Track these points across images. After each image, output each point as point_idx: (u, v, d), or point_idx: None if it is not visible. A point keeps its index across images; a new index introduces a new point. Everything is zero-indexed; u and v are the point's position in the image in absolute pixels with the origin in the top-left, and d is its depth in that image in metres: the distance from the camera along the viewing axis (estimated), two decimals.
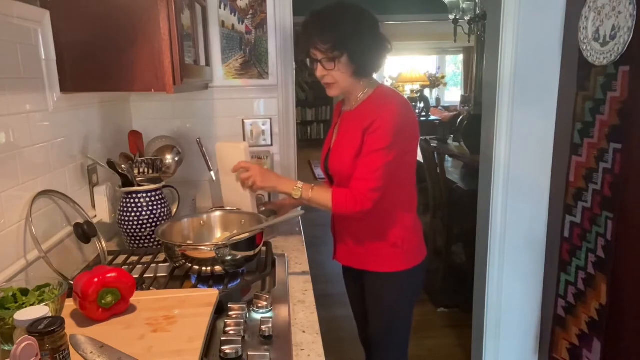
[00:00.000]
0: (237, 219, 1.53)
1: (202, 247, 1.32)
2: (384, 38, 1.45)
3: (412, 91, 8.32)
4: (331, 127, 1.67)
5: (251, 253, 1.36)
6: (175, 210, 1.76)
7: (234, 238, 1.36)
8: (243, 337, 1.03)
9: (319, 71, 1.45)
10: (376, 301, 1.62)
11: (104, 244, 1.49)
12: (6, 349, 0.89)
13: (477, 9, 4.51)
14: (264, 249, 1.52)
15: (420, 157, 3.65)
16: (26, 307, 0.91)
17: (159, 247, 1.52)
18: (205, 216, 1.55)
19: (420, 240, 1.62)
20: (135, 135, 1.77)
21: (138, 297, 1.09)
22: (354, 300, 1.80)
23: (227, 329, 1.05)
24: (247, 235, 1.35)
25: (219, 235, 1.52)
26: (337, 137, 1.57)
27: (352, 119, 1.51)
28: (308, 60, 1.48)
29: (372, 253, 1.56)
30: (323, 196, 1.44)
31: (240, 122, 2.05)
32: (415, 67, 8.85)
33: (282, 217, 1.48)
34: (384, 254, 1.54)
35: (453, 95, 9.46)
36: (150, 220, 1.59)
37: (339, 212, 1.45)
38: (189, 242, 1.46)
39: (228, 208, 1.62)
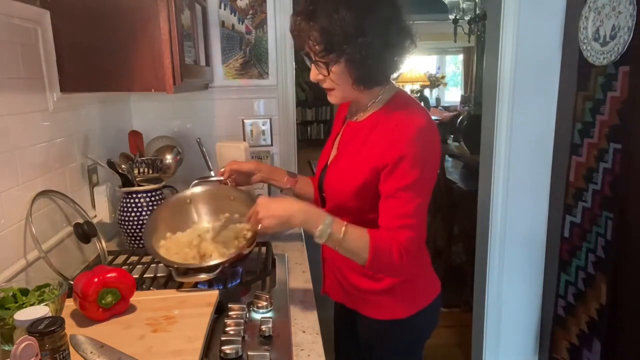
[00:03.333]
0: (226, 195, 1.42)
1: (201, 276, 1.21)
2: (403, 34, 1.08)
3: (412, 91, 8.31)
4: (331, 136, 1.35)
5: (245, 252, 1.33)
6: None
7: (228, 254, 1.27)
8: (243, 337, 1.03)
9: (312, 74, 1.14)
10: (371, 353, 1.33)
11: (104, 244, 1.49)
12: (6, 349, 0.89)
13: (477, 9, 4.51)
14: (263, 249, 1.52)
15: None
16: (26, 307, 0.91)
17: None
18: (189, 193, 1.44)
19: (429, 277, 1.31)
20: (135, 135, 1.76)
21: (138, 297, 1.09)
22: (341, 339, 1.52)
23: (227, 329, 1.05)
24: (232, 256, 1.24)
25: (210, 218, 1.42)
26: (337, 152, 1.26)
27: (357, 133, 1.20)
28: (306, 58, 1.14)
29: (364, 294, 1.27)
30: (358, 241, 1.08)
31: (240, 122, 2.05)
32: (415, 67, 8.84)
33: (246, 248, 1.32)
34: (380, 298, 1.25)
35: (453, 95, 9.45)
36: None
37: (376, 267, 1.11)
38: (185, 265, 1.26)
39: (213, 178, 1.47)
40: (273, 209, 1.09)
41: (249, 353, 0.96)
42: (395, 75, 1.17)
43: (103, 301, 1.01)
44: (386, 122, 1.13)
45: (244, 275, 1.37)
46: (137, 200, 1.58)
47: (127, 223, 1.58)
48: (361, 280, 1.26)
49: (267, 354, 0.96)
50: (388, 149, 1.09)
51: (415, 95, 7.82)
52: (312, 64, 1.12)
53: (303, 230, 1.32)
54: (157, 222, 1.39)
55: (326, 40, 1.04)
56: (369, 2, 1.04)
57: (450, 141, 4.32)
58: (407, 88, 8.53)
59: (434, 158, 1.14)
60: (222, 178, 1.40)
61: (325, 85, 1.14)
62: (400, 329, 1.27)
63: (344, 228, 1.07)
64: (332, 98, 1.17)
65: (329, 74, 1.09)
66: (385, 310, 1.25)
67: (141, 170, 1.67)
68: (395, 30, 1.06)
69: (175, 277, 1.22)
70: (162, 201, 1.61)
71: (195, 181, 1.48)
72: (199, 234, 1.35)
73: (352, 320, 1.35)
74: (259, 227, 1.11)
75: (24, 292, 0.98)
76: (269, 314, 1.15)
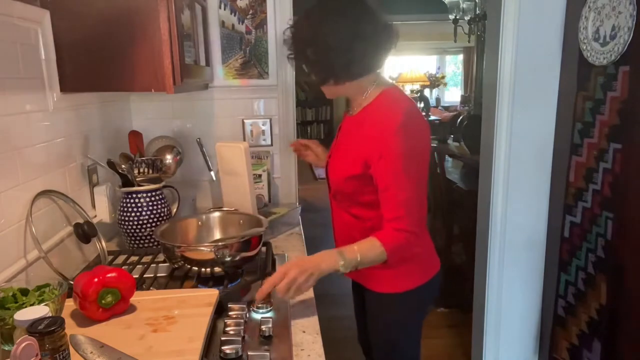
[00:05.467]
0: (236, 220, 1.52)
1: (202, 248, 1.32)
2: (374, 31, 1.21)
3: (412, 91, 8.32)
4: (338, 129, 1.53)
5: (251, 254, 1.36)
6: (175, 210, 1.76)
7: (227, 240, 1.36)
8: (243, 337, 1.03)
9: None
10: (375, 323, 1.47)
11: (104, 244, 1.49)
12: (6, 349, 0.89)
13: (477, 9, 4.51)
14: (263, 249, 1.52)
15: None
16: (26, 307, 0.91)
17: (159, 247, 1.53)
18: (203, 217, 1.55)
19: (429, 256, 1.43)
20: (135, 135, 1.77)
21: (138, 297, 1.09)
22: (357, 310, 1.67)
23: (227, 329, 1.05)
24: (234, 240, 1.34)
25: (218, 236, 1.52)
26: (338, 143, 1.44)
27: (352, 126, 1.37)
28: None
29: (370, 271, 1.35)
30: (372, 250, 1.22)
31: (240, 122, 2.05)
32: (415, 67, 8.85)
33: (252, 231, 1.40)
34: (382, 272, 1.36)
35: (453, 95, 9.46)
36: (150, 220, 1.59)
37: (396, 255, 1.24)
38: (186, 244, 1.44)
39: (226, 209, 1.62)
40: (310, 265, 1.17)
41: (249, 353, 0.96)
42: (380, 68, 1.32)
43: (103, 301, 1.01)
44: (372, 117, 1.28)
45: (244, 275, 1.37)
46: (137, 200, 1.58)
47: (127, 223, 1.58)
48: None
49: (267, 354, 0.96)
50: (374, 144, 1.22)
51: (415, 95, 7.82)
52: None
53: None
54: (171, 232, 1.45)
55: (300, 43, 1.26)
56: (343, 6, 1.22)
57: (450, 141, 4.32)
58: (407, 88, 8.54)
59: (419, 144, 1.25)
60: (232, 209, 1.57)
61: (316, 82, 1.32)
62: (400, 301, 1.39)
63: (356, 247, 1.22)
64: (326, 94, 1.36)
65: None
66: (388, 284, 1.38)
67: (141, 170, 1.67)
68: (369, 25, 1.20)
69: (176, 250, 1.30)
70: (173, 218, 1.70)
71: (211, 209, 1.62)
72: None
73: (361, 294, 1.51)
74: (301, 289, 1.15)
75: (24, 292, 0.98)
76: (269, 314, 1.15)
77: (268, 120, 2.06)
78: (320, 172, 7.14)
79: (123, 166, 1.60)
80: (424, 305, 1.48)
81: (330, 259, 1.20)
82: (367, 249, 1.22)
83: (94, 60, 1.37)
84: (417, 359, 1.51)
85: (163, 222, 1.59)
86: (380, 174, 1.22)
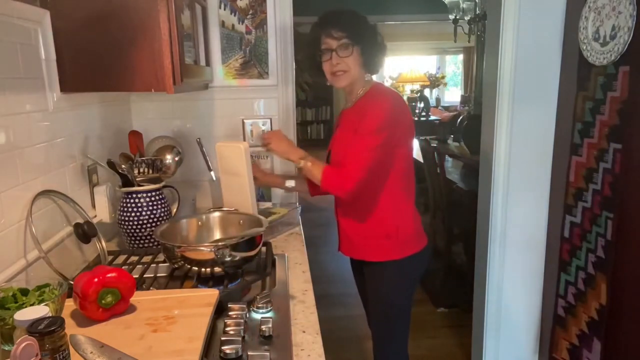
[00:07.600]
0: (236, 219, 1.52)
1: (202, 248, 1.32)
2: (384, 42, 1.61)
3: (412, 91, 8.32)
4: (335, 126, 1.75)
5: (251, 254, 1.36)
6: (175, 210, 1.76)
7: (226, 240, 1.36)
8: (243, 337, 1.03)
9: (334, 59, 1.52)
10: (373, 290, 1.69)
11: (104, 244, 1.49)
12: (6, 349, 0.89)
13: (477, 9, 4.51)
14: (263, 249, 1.52)
15: (420, 157, 3.66)
16: (26, 307, 0.91)
17: (159, 247, 1.53)
18: (203, 217, 1.55)
19: (417, 231, 1.67)
20: (135, 135, 1.76)
21: (138, 297, 1.09)
22: (361, 290, 1.85)
23: (227, 329, 1.05)
24: (235, 240, 1.33)
25: (218, 236, 1.52)
26: (336, 134, 1.68)
27: (349, 115, 1.61)
28: (318, 54, 1.55)
29: (367, 243, 1.64)
30: (317, 171, 1.53)
31: (240, 122, 2.05)
32: (415, 67, 8.84)
33: (252, 231, 1.40)
34: (378, 244, 1.62)
35: (453, 95, 9.46)
36: (150, 220, 1.59)
37: (326, 188, 1.53)
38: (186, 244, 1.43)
39: (226, 209, 1.62)
40: (284, 144, 1.60)
41: (249, 353, 0.96)
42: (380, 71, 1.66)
43: (103, 301, 1.01)
44: (365, 104, 1.56)
45: (244, 275, 1.37)
46: (137, 200, 1.58)
47: (127, 223, 1.58)
48: (365, 230, 1.62)
49: (267, 354, 0.96)
50: (363, 120, 1.50)
51: (415, 95, 7.82)
52: (331, 53, 1.51)
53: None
54: (171, 231, 1.44)
55: (349, 30, 1.51)
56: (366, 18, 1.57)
57: (450, 141, 4.32)
58: (407, 88, 8.54)
59: (403, 120, 1.54)
60: (232, 209, 1.63)
61: (339, 67, 1.53)
62: (395, 270, 1.62)
63: (310, 164, 1.53)
64: (342, 81, 1.56)
65: (351, 53, 1.51)
66: (383, 253, 1.62)
67: (141, 170, 1.67)
68: (381, 37, 1.59)
69: (176, 250, 1.30)
70: (172, 218, 1.69)
71: (211, 209, 1.65)
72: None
73: (361, 270, 1.73)
74: (266, 145, 1.61)
75: (24, 292, 0.98)
76: (269, 314, 1.15)
77: (268, 120, 2.06)
78: None
79: (123, 166, 1.60)
80: (415, 272, 1.70)
81: (298, 155, 1.56)
82: (318, 166, 1.53)
83: (94, 60, 1.37)
84: (408, 322, 1.72)
85: (163, 222, 1.59)
86: (359, 128, 1.50)
